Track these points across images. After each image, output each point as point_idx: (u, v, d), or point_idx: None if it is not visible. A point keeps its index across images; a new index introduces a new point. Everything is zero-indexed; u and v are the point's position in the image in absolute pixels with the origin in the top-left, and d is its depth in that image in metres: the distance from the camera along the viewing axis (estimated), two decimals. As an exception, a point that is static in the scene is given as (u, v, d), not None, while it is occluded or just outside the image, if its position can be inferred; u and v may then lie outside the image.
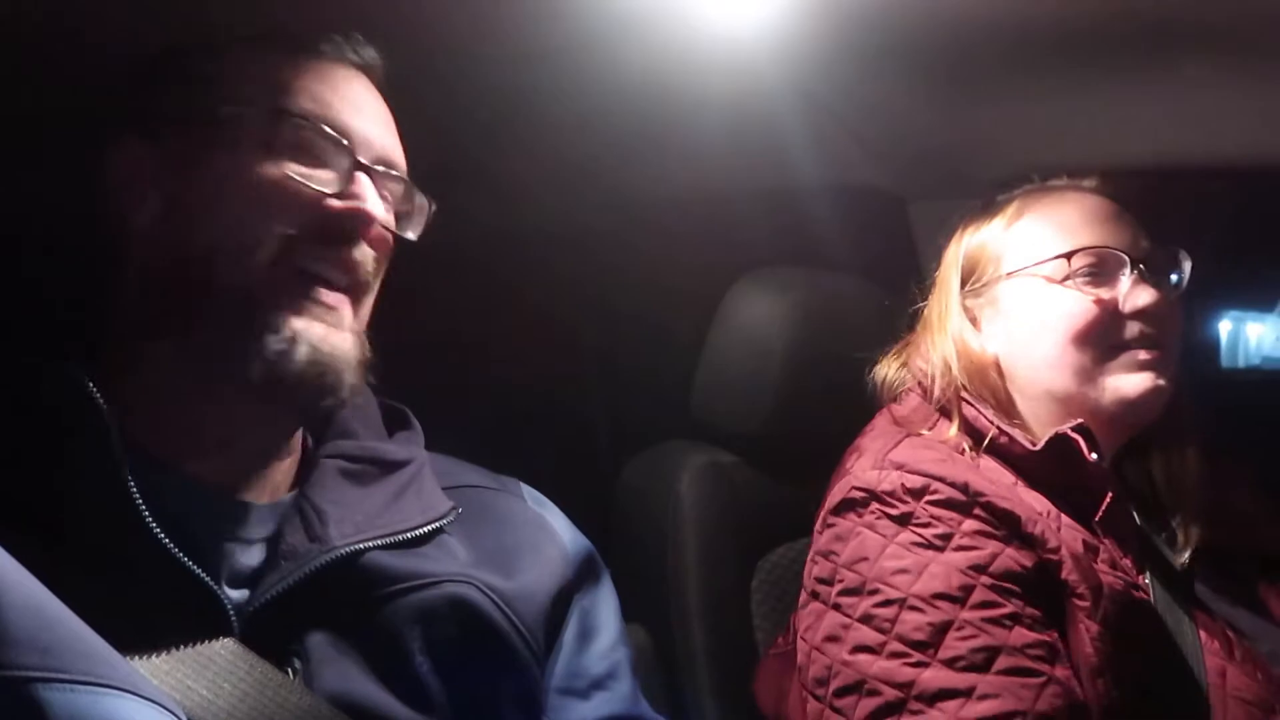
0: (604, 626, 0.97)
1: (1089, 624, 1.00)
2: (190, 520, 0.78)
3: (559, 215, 1.69)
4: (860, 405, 1.54)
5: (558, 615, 0.92)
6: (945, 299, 1.22)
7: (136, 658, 0.68)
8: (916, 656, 0.97)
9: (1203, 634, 1.08)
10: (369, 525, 0.83)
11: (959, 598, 0.98)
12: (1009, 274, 1.18)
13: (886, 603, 1.00)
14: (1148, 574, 1.12)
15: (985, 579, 1.00)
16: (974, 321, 1.21)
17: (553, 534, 0.97)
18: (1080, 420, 1.10)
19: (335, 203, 0.84)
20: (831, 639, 1.03)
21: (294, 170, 0.83)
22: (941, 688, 0.95)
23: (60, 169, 0.92)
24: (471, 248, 1.66)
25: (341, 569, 0.80)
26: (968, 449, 1.11)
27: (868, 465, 1.11)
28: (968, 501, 1.03)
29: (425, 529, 0.86)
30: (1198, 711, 1.02)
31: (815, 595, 1.09)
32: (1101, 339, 1.13)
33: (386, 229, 0.90)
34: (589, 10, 1.19)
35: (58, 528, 0.71)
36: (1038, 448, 1.09)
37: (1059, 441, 1.08)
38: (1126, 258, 1.13)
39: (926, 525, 1.03)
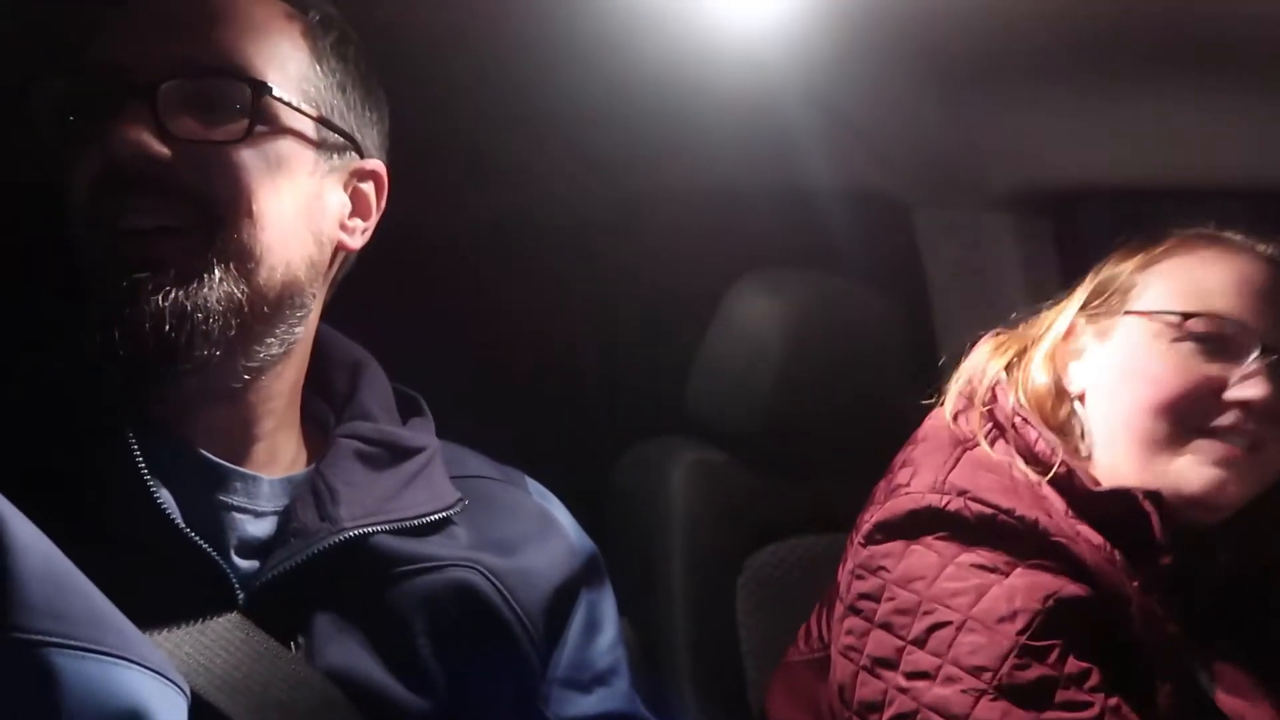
0: (607, 623, 0.97)
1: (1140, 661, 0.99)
2: (197, 491, 0.78)
3: (564, 208, 1.69)
4: (855, 411, 1.55)
5: (563, 607, 0.92)
6: (1063, 313, 1.14)
7: (140, 625, 0.68)
8: (972, 683, 0.92)
9: (1227, 674, 1.06)
10: (379, 509, 0.83)
11: (1018, 625, 0.94)
12: (1127, 311, 1.08)
13: (942, 624, 0.95)
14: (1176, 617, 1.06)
15: (1045, 606, 0.95)
16: (1060, 349, 1.13)
17: (558, 527, 0.98)
18: (1157, 489, 1.02)
19: (109, 148, 0.75)
20: (884, 662, 0.98)
21: (79, 119, 0.78)
22: None
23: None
24: (471, 239, 1.66)
25: (349, 550, 0.80)
26: (1027, 473, 1.04)
27: (926, 485, 1.03)
28: (1035, 538, 0.98)
29: (433, 518, 0.86)
30: None
31: (858, 611, 1.03)
32: (1188, 417, 1.02)
33: (197, 152, 0.78)
34: (603, 4, 1.19)
35: (64, 498, 0.71)
36: (1098, 489, 1.03)
37: (1125, 497, 1.02)
38: (1255, 337, 1.01)
39: (991, 552, 0.98)
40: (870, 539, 1.05)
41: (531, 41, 1.29)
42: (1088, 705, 0.92)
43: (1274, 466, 1.03)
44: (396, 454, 0.87)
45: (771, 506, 1.55)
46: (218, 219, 0.77)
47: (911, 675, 0.95)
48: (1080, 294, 1.14)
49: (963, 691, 0.92)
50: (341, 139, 0.85)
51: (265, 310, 0.80)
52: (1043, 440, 1.05)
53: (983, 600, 0.95)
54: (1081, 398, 1.10)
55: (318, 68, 0.85)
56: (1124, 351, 1.07)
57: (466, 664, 0.84)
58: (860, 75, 1.38)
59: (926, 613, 0.96)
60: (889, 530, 1.03)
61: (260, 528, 0.80)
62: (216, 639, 0.72)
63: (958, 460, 1.05)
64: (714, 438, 1.57)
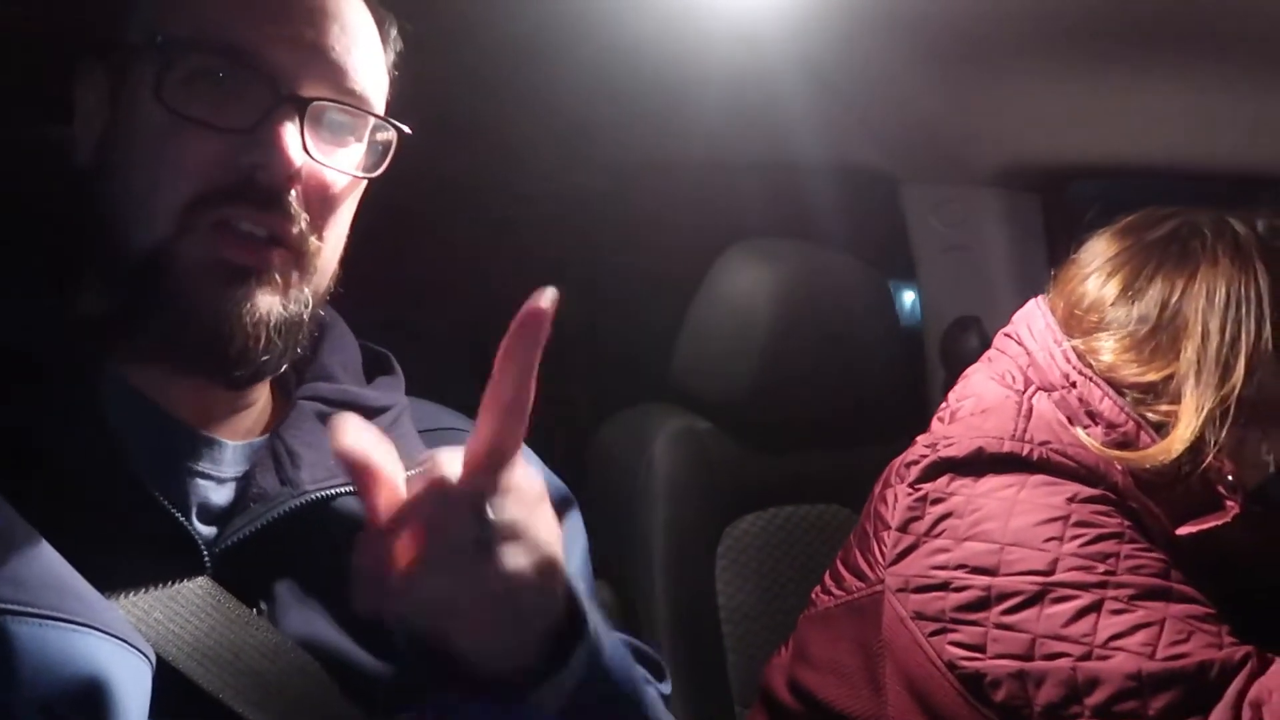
0: (570, 557, 0.98)
1: None
2: (164, 455, 0.77)
3: (552, 177, 1.68)
4: (841, 382, 1.56)
5: None
6: (1252, 329, 1.06)
7: (106, 590, 0.68)
8: (1099, 571, 0.96)
9: None
10: (341, 471, 0.83)
11: (1112, 557, 0.97)
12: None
13: (1044, 522, 0.99)
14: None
15: (1132, 553, 0.98)
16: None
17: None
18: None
19: (244, 155, 0.75)
20: (974, 606, 1.00)
21: (202, 112, 0.75)
22: (1136, 589, 0.95)
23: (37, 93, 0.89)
24: (456, 206, 1.66)
25: (311, 513, 0.79)
26: (1091, 434, 1.06)
27: (1006, 431, 1.06)
28: (1116, 501, 1.02)
29: None
30: None
31: (927, 546, 1.04)
32: None
33: (322, 173, 0.79)
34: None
35: (32, 464, 0.71)
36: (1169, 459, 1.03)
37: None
38: None
39: (1065, 485, 1.02)
40: (929, 475, 1.06)
41: (522, 10, 1.28)
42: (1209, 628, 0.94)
43: None
44: (361, 414, 0.87)
45: (753, 476, 1.56)
46: (319, 241, 0.80)
47: (1009, 610, 0.97)
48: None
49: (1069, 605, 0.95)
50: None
51: (315, 321, 0.84)
52: (1109, 399, 1.07)
53: (1073, 541, 0.97)
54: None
55: (391, 82, 0.88)
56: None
57: None
58: (851, 50, 1.37)
59: (1013, 544, 0.98)
60: (958, 467, 1.05)
61: (222, 494, 0.79)
62: (186, 605, 0.71)
63: (1030, 413, 1.08)
64: (698, 406, 1.58)
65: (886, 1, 1.25)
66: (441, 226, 1.49)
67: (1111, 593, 0.96)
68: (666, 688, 0.98)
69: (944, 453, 1.06)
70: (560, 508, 0.98)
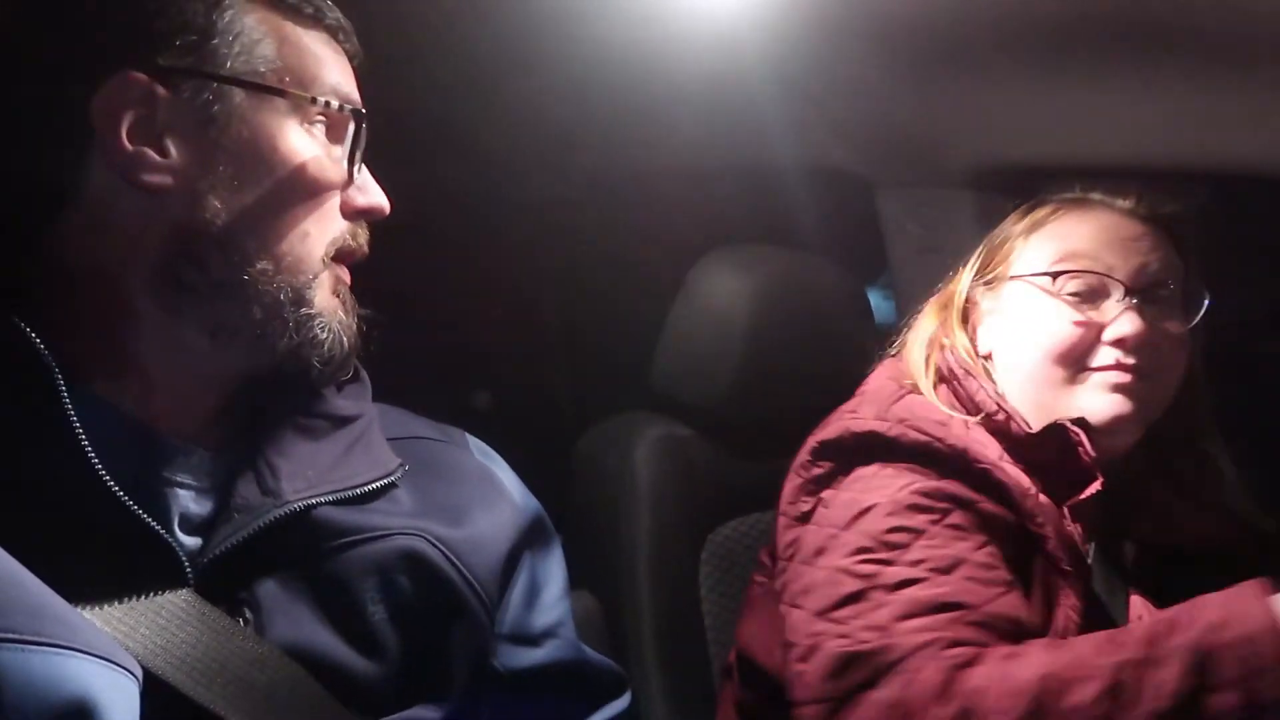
0: (552, 579, 0.98)
1: (1068, 593, 1.09)
2: (140, 466, 0.77)
3: (530, 185, 1.69)
4: (821, 385, 1.56)
5: (509, 568, 0.93)
6: (959, 283, 1.26)
7: (91, 607, 0.68)
8: (885, 555, 1.05)
9: (1135, 610, 1.15)
10: (320, 480, 0.83)
11: (936, 512, 1.07)
12: (1013, 276, 1.21)
13: (870, 509, 1.08)
14: (1092, 550, 1.18)
15: (965, 512, 1.07)
16: (971, 313, 1.25)
17: (502, 489, 0.98)
18: (1081, 415, 1.13)
19: (358, 196, 0.86)
20: (818, 551, 1.09)
21: (326, 151, 0.84)
22: (903, 579, 1.03)
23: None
24: (438, 214, 1.66)
25: (293, 523, 0.80)
26: (965, 417, 1.15)
27: (871, 413, 1.15)
28: (964, 468, 1.10)
29: (374, 485, 0.86)
30: None
31: (800, 519, 1.15)
32: (1077, 359, 1.15)
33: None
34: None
35: (7, 480, 0.70)
36: (1034, 432, 1.13)
37: (1057, 431, 1.12)
38: (1118, 284, 1.15)
39: (923, 471, 1.10)
40: (813, 458, 1.17)
41: (502, 20, 1.28)
42: (994, 584, 1.03)
43: (1162, 388, 1.17)
44: (334, 423, 0.87)
45: (735, 482, 1.56)
46: None
47: (848, 554, 1.07)
48: (973, 264, 1.26)
49: (869, 561, 1.05)
50: None
51: None
52: (984, 391, 1.16)
53: (904, 491, 1.08)
54: (989, 357, 1.22)
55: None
56: (1016, 313, 1.20)
57: (419, 630, 0.84)
58: (824, 55, 1.38)
59: (861, 508, 1.09)
60: (830, 450, 1.15)
61: (200, 504, 0.79)
62: (172, 618, 0.71)
63: (901, 398, 1.18)
64: (679, 413, 1.58)
65: (859, 8, 1.26)
66: (425, 236, 1.48)
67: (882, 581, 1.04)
68: (623, 703, 1.00)
69: (818, 436, 1.17)
70: (541, 528, 0.99)
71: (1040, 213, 1.23)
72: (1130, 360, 1.13)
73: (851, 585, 1.04)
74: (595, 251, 1.77)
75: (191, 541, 0.78)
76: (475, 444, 1.02)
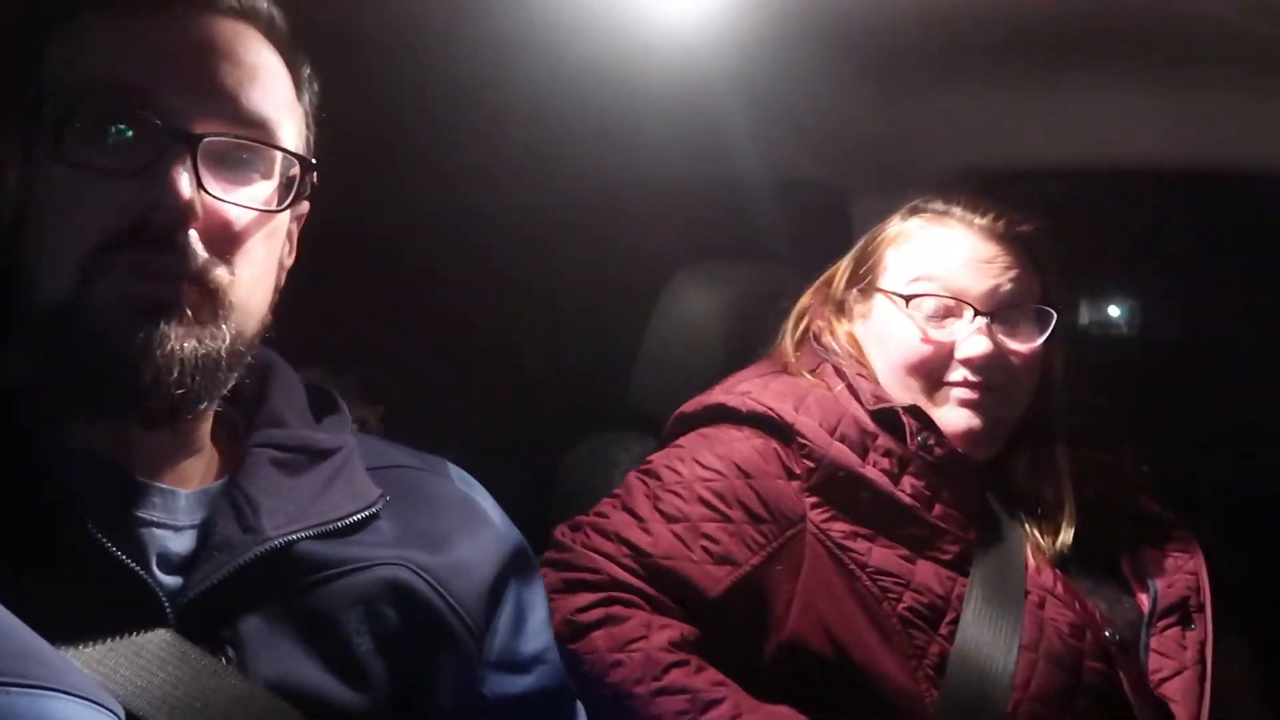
0: (537, 606, 0.98)
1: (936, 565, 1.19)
2: (116, 508, 0.76)
3: (503, 204, 1.69)
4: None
5: (494, 596, 0.93)
6: (838, 281, 1.36)
7: (72, 649, 0.67)
8: (649, 484, 1.20)
9: (1032, 569, 1.23)
10: (301, 515, 0.82)
11: (708, 475, 1.18)
12: (878, 289, 1.29)
13: (679, 448, 1.24)
14: (985, 523, 1.26)
15: (741, 482, 1.18)
16: (848, 313, 1.34)
17: (484, 516, 0.97)
18: (917, 395, 1.24)
19: (139, 198, 0.74)
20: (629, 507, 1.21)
21: (98, 159, 0.75)
22: (633, 507, 1.18)
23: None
24: (413, 236, 1.66)
25: (274, 559, 0.79)
26: (830, 386, 1.26)
27: (722, 390, 1.29)
28: (785, 436, 1.21)
29: (356, 517, 0.86)
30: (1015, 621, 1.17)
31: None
32: (931, 373, 1.24)
33: (223, 210, 0.78)
34: (538, 4, 1.19)
35: None
36: (872, 409, 1.23)
37: (891, 414, 1.23)
38: (969, 306, 1.23)
39: (743, 434, 1.22)
40: (672, 428, 1.31)
41: (469, 42, 1.29)
42: (715, 559, 1.14)
43: (1012, 403, 1.26)
44: (313, 456, 0.87)
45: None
46: (229, 275, 0.78)
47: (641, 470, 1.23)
48: (845, 268, 1.36)
49: (641, 494, 1.19)
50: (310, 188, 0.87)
51: (238, 359, 0.82)
52: (833, 368, 1.28)
53: (708, 449, 1.21)
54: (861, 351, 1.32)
55: (307, 121, 0.87)
56: (881, 323, 1.29)
57: (406, 659, 0.84)
58: (790, 66, 1.39)
59: (674, 454, 1.23)
60: (686, 420, 1.30)
61: (180, 543, 0.78)
62: (152, 658, 0.70)
63: (761, 376, 1.30)
64: (659, 428, 1.58)
65: (822, 19, 1.27)
66: (401, 255, 1.48)
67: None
68: None
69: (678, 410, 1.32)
70: (520, 558, 0.98)
71: (908, 225, 1.31)
72: (977, 378, 1.22)
73: (617, 490, 1.21)
74: (570, 268, 1.77)
75: (172, 581, 0.77)
76: (456, 472, 1.02)
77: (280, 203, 0.82)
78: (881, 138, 1.56)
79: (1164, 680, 1.22)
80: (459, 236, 1.69)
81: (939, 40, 1.30)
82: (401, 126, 1.43)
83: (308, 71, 0.88)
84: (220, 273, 0.77)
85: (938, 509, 1.20)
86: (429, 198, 1.63)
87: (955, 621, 1.16)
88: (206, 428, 0.85)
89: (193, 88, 0.77)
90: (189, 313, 0.76)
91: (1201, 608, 1.26)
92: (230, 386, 0.82)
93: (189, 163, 0.75)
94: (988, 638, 1.15)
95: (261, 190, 0.81)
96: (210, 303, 0.77)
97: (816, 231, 1.67)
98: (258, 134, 0.79)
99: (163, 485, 0.80)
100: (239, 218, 0.79)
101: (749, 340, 1.52)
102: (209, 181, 0.76)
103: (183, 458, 0.82)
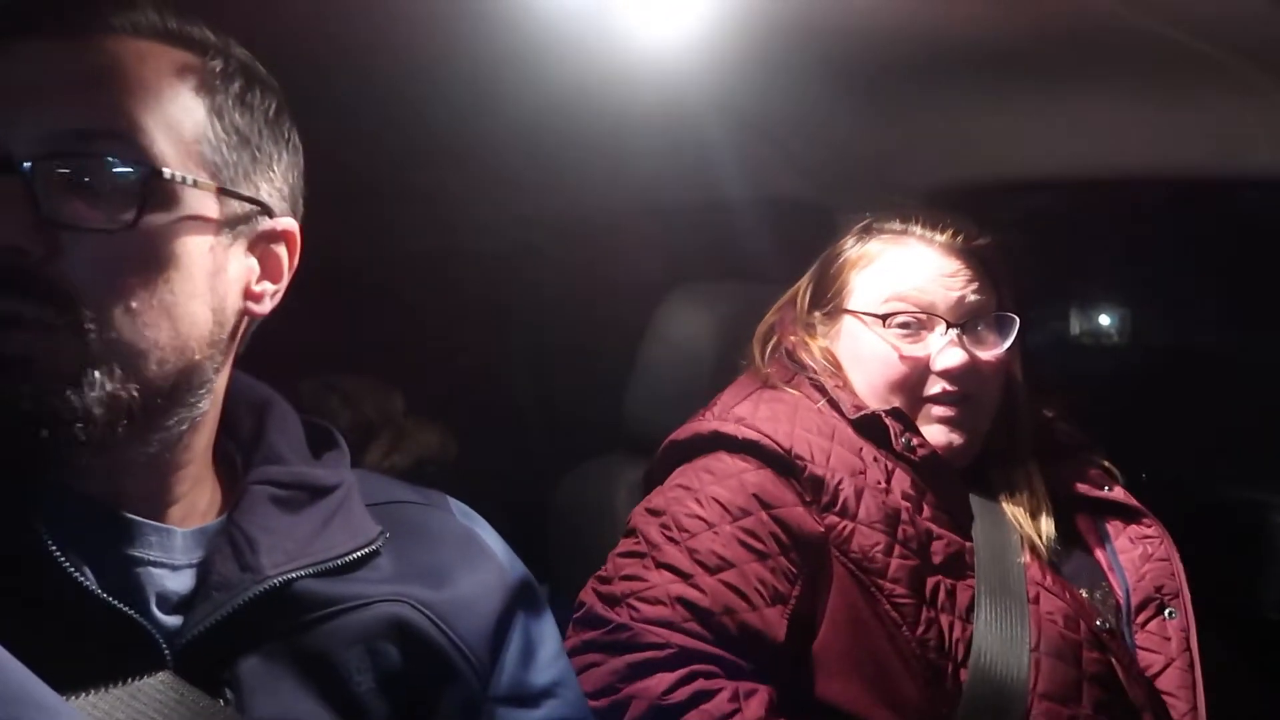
0: (546, 640, 0.96)
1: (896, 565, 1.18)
2: (108, 549, 0.75)
3: (490, 232, 1.69)
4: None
5: (500, 631, 0.91)
6: (801, 301, 1.38)
7: (70, 693, 0.66)
8: (675, 534, 1.17)
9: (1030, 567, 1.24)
10: (300, 553, 0.81)
11: (734, 514, 1.16)
12: (848, 310, 1.32)
13: (686, 488, 1.21)
14: (976, 522, 1.28)
15: (765, 515, 1.17)
16: (814, 330, 1.35)
17: (486, 550, 0.96)
18: (897, 405, 1.26)
19: None
20: (651, 544, 1.19)
21: None
22: (671, 563, 1.14)
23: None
24: (402, 271, 1.65)
25: (273, 598, 0.78)
26: (812, 398, 1.28)
27: (714, 415, 1.28)
28: (786, 463, 1.20)
29: (356, 554, 0.84)
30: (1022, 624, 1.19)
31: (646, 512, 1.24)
32: (911, 388, 1.28)
33: (76, 239, 0.69)
34: (517, 27, 1.19)
35: None
36: (853, 417, 1.25)
37: (874, 418, 1.25)
38: (940, 320, 1.26)
39: (748, 464, 1.21)
40: (663, 456, 1.30)
41: (454, 71, 1.29)
42: (750, 604, 1.12)
43: (986, 410, 1.30)
44: (312, 494, 0.85)
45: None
46: (95, 317, 0.69)
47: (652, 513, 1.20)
48: (809, 289, 1.37)
49: (664, 534, 1.17)
50: (247, 204, 0.78)
51: (160, 401, 0.74)
52: (811, 382, 1.29)
53: (719, 485, 1.19)
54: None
55: (218, 126, 0.77)
56: (853, 343, 1.32)
57: (407, 697, 0.82)
58: (777, 88, 1.40)
59: (683, 487, 1.21)
60: (678, 448, 1.28)
61: (178, 582, 0.77)
62: (150, 701, 0.69)
63: (748, 396, 1.30)
64: (652, 452, 1.57)
65: (803, 39, 1.27)
66: (390, 296, 1.48)
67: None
68: None
69: (670, 437, 1.31)
70: (525, 592, 0.96)
71: (869, 247, 1.33)
72: (955, 389, 1.26)
73: (636, 545, 1.18)
74: (559, 299, 1.77)
75: (172, 621, 0.76)
76: (457, 506, 1.00)
77: (138, 218, 0.71)
78: (868, 156, 1.56)
79: (1155, 675, 1.23)
80: (445, 273, 1.69)
81: (924, 59, 1.30)
82: (384, 155, 1.43)
83: (218, 65, 0.79)
84: (89, 313, 0.69)
85: (926, 511, 1.22)
86: (412, 225, 1.63)
87: (965, 635, 1.16)
88: (187, 467, 0.81)
89: (10, 96, 0.69)
90: (35, 363, 0.68)
91: (1177, 594, 1.28)
92: (173, 420, 0.76)
93: (19, 191, 0.67)
94: (1000, 647, 1.16)
95: (128, 205, 0.71)
96: (76, 348, 0.69)
97: (806, 251, 1.68)
98: (106, 153, 0.70)
99: (158, 524, 0.78)
100: (103, 248, 0.70)
101: (741, 362, 1.52)
102: (54, 209, 0.68)
103: (178, 496, 0.81)
